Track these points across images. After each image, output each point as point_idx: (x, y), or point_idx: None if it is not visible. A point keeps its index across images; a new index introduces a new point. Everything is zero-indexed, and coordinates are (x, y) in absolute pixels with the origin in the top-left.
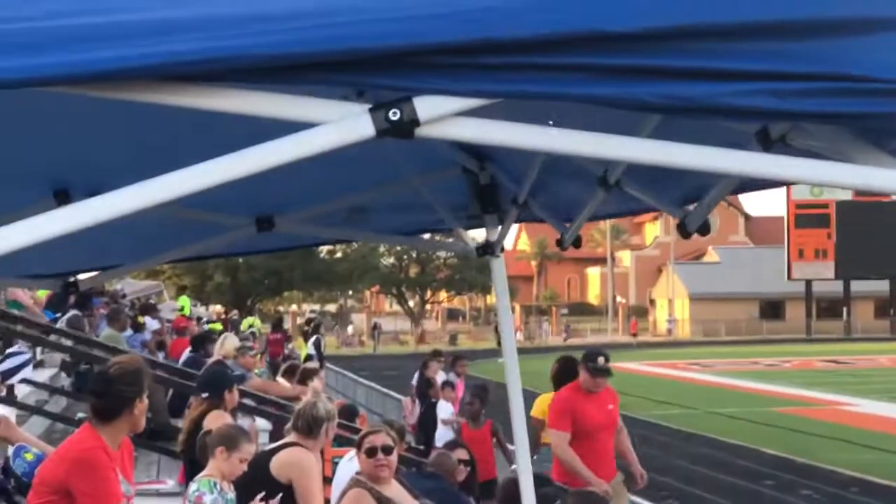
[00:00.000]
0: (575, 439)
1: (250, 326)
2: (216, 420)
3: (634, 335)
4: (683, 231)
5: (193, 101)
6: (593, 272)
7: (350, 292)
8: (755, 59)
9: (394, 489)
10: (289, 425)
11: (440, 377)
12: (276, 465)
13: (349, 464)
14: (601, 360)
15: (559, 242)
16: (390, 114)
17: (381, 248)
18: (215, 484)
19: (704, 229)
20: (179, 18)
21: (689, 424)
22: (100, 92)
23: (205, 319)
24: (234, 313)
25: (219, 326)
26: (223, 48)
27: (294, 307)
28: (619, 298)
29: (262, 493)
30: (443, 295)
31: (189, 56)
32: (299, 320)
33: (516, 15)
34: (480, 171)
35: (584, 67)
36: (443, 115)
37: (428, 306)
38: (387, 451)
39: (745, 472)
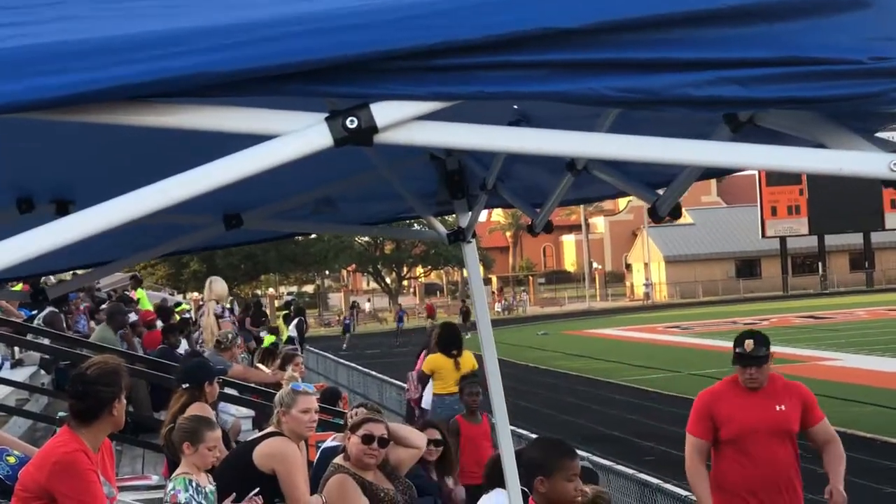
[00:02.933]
0: (722, 447)
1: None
2: (197, 412)
3: None
4: (655, 215)
5: (150, 119)
6: (568, 240)
7: (326, 272)
8: (713, 47)
9: (376, 474)
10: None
11: None
12: (259, 456)
13: (331, 446)
14: (748, 342)
15: (530, 228)
16: (347, 122)
17: None
18: (190, 482)
19: (676, 213)
20: (129, 36)
21: (670, 387)
22: (52, 117)
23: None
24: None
25: (187, 306)
26: (174, 68)
27: (271, 290)
28: (595, 265)
29: (250, 493)
30: (419, 270)
31: (139, 77)
32: (277, 303)
33: (470, 17)
34: (448, 157)
35: (541, 65)
36: (401, 120)
37: (405, 282)
38: (382, 443)
39: None
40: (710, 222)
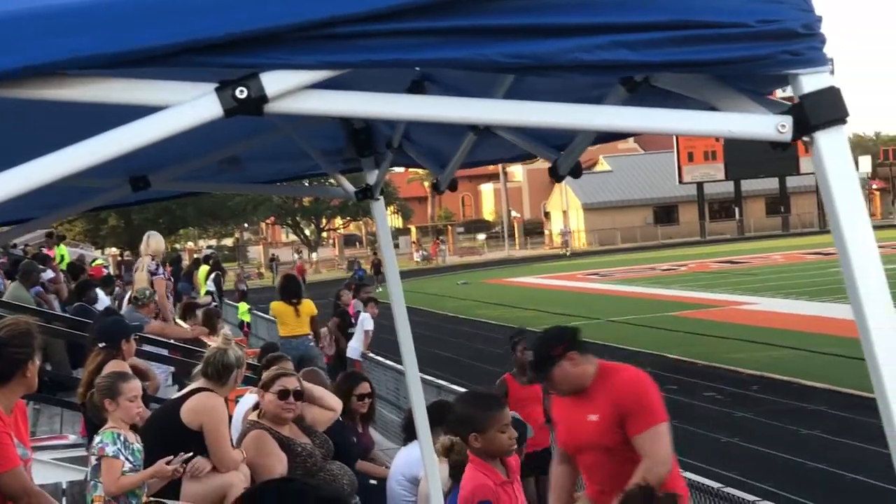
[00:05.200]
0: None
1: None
2: (114, 370)
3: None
4: (555, 175)
5: (44, 92)
6: (486, 188)
7: (245, 226)
8: (604, 12)
9: (292, 429)
10: (197, 370)
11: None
12: (186, 412)
13: (247, 401)
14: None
15: (435, 186)
16: (237, 92)
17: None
18: (118, 435)
19: (576, 172)
20: (18, 10)
21: (589, 335)
22: None
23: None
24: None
25: (104, 262)
26: (61, 45)
27: (190, 244)
28: (513, 213)
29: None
30: (338, 222)
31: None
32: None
33: None
34: (371, 118)
35: (431, 32)
36: (291, 89)
37: (324, 234)
38: (298, 396)
39: None
40: (627, 169)
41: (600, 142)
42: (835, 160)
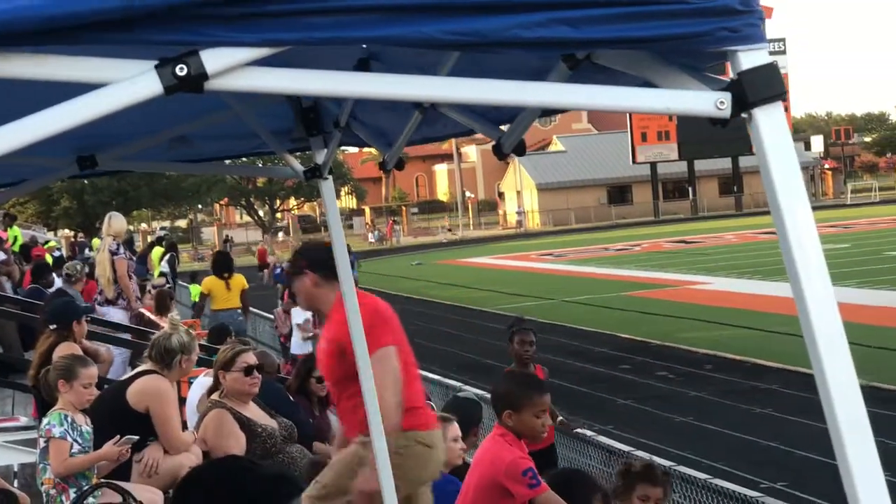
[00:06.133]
0: None
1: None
2: (65, 352)
3: None
4: (499, 152)
5: None
6: (441, 169)
7: (199, 207)
8: None
9: (252, 409)
10: (146, 353)
11: None
12: (132, 394)
13: (202, 382)
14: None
15: (381, 165)
16: (177, 69)
17: (227, 162)
18: (66, 416)
19: (520, 149)
20: None
21: (543, 315)
22: None
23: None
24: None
25: (56, 244)
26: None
27: (144, 226)
28: (468, 194)
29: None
30: (292, 202)
31: None
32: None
33: None
34: (312, 96)
35: (371, 9)
36: (232, 67)
37: (279, 215)
38: (260, 369)
39: (602, 359)
40: (581, 149)
41: (545, 115)
42: (773, 136)
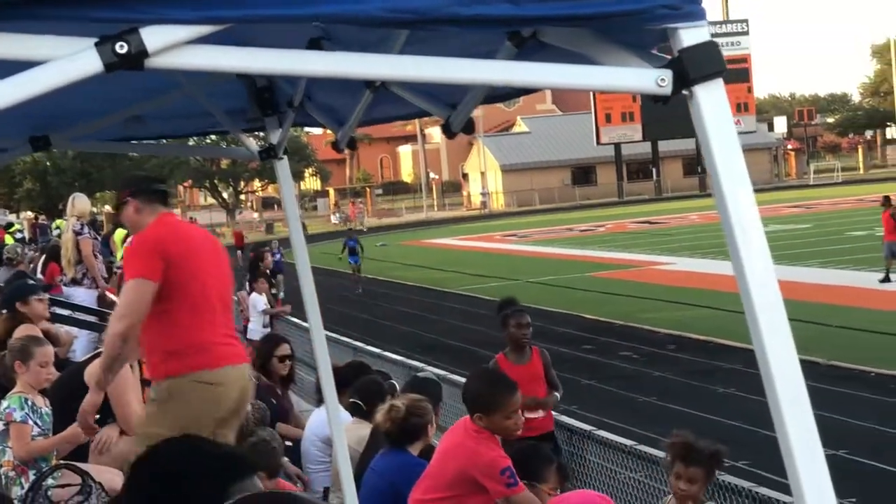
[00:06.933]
0: None
1: (57, 227)
2: (24, 334)
3: None
4: (448, 131)
5: None
6: (405, 150)
7: None
8: None
9: None
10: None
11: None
12: (88, 374)
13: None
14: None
15: (334, 145)
16: (117, 47)
17: (191, 143)
18: (26, 400)
19: (468, 129)
20: None
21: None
22: None
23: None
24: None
25: (19, 226)
26: None
27: (108, 208)
28: (432, 175)
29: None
30: (256, 184)
31: None
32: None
33: None
34: (256, 74)
35: None
36: (173, 44)
37: (242, 196)
38: None
39: (565, 339)
40: (545, 130)
41: (490, 101)
42: (713, 112)
